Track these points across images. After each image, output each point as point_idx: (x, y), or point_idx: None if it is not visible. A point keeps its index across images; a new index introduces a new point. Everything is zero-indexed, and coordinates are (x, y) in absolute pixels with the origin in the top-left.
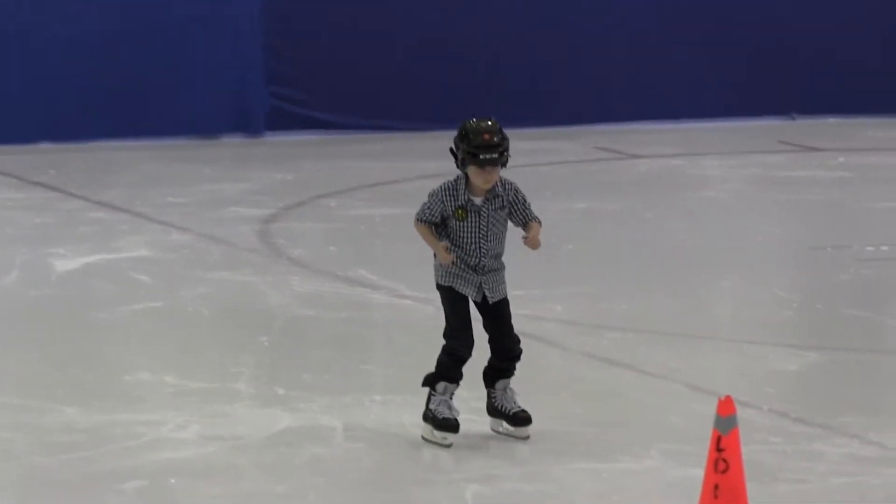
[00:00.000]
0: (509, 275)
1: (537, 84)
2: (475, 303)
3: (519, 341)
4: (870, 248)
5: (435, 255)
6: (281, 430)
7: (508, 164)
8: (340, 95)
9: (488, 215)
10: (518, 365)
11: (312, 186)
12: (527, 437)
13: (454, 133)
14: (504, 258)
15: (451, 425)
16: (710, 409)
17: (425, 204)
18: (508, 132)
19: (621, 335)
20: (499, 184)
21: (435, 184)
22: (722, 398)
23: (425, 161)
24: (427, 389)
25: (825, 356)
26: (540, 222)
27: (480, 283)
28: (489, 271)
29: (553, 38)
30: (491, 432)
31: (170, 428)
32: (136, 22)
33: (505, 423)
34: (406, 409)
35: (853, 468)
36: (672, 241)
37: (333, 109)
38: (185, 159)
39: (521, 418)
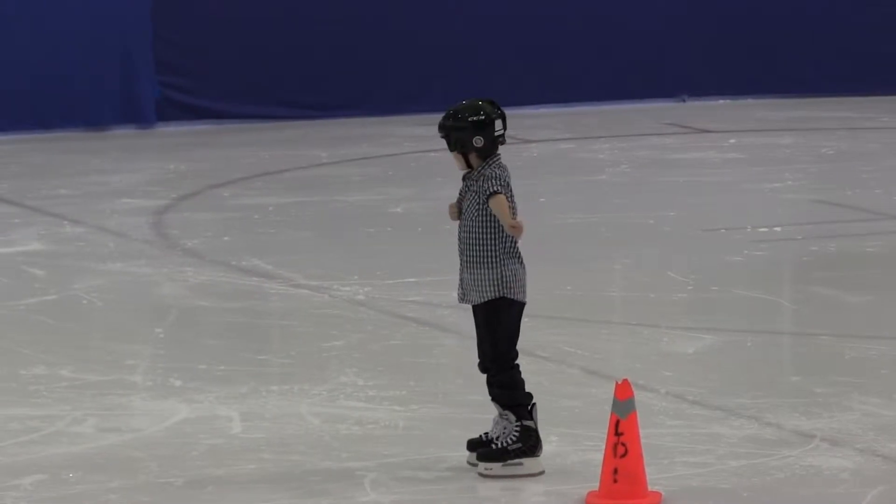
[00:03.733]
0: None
1: (426, 69)
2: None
3: (492, 360)
4: (763, 229)
5: None
6: (178, 422)
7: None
8: (231, 84)
9: (464, 194)
10: (416, 350)
11: (205, 176)
12: (482, 472)
13: (344, 121)
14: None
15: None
16: (607, 393)
17: None
18: (395, 118)
19: None
20: (482, 172)
21: (329, 170)
22: (619, 382)
23: (317, 149)
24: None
25: (721, 338)
26: (494, 192)
27: (460, 280)
28: (463, 264)
29: (441, 23)
30: (390, 422)
31: (67, 422)
32: (24, 7)
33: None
34: (303, 399)
35: (751, 450)
36: (565, 224)
37: (224, 98)
38: (74, 150)
39: (477, 450)
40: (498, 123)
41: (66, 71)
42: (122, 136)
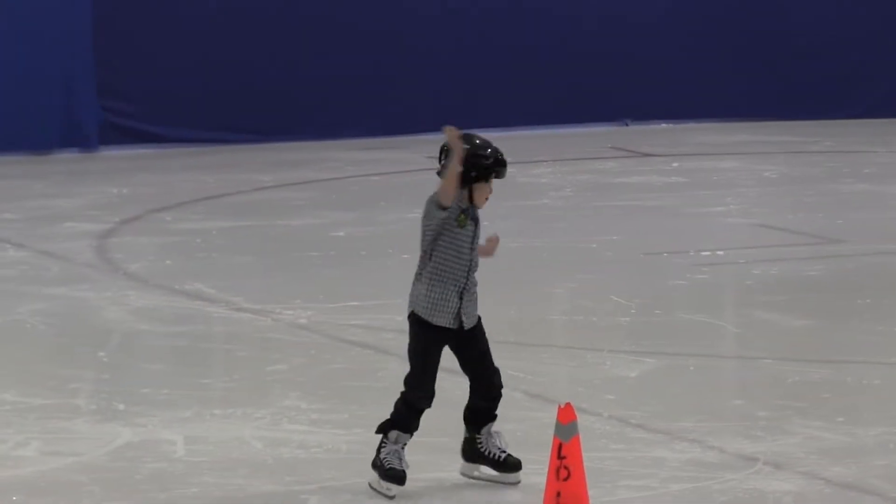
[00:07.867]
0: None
1: (369, 93)
2: (447, 338)
3: (499, 374)
4: (705, 253)
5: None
6: (121, 446)
7: (344, 175)
8: (173, 108)
9: (479, 226)
10: (358, 374)
11: (148, 201)
12: (517, 483)
13: (285, 145)
14: (340, 269)
15: (397, 476)
16: (550, 417)
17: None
18: (336, 142)
19: None
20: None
21: (271, 194)
22: (562, 405)
23: (259, 173)
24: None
25: (664, 362)
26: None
27: (459, 310)
28: (472, 291)
29: (383, 50)
30: (333, 446)
31: (10, 445)
32: None
33: (483, 468)
34: (246, 423)
35: (694, 474)
36: (508, 249)
37: (166, 123)
38: (17, 175)
39: (510, 464)
40: None
41: (8, 96)
42: (65, 161)
